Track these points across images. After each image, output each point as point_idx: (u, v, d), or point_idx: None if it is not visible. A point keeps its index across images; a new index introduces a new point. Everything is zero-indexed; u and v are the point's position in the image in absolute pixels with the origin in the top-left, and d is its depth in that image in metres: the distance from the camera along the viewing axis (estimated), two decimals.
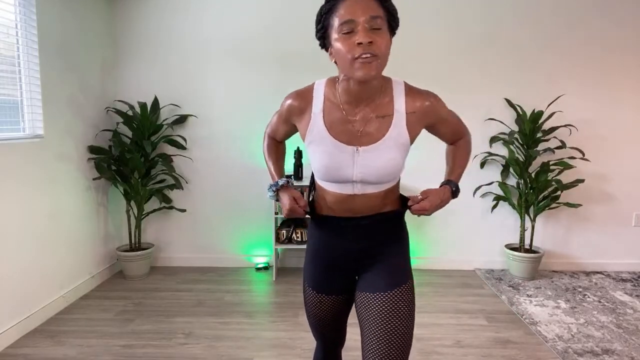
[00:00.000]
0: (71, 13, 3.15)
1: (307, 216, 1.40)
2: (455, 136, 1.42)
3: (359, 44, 1.09)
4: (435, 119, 1.30)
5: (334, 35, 1.14)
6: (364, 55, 1.09)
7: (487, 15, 3.63)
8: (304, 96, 1.30)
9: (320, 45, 1.25)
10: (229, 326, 2.77)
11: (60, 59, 3.03)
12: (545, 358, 2.41)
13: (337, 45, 1.14)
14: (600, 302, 3.16)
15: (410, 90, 1.26)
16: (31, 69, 2.79)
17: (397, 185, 1.36)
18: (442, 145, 1.52)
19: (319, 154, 1.26)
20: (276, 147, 1.52)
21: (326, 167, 1.25)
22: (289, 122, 1.37)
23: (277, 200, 1.42)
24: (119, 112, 3.47)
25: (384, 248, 1.35)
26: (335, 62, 1.19)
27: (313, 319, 1.48)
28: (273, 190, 1.40)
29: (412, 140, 1.27)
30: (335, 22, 1.13)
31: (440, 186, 1.38)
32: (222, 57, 3.70)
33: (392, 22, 1.17)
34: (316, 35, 1.22)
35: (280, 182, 1.39)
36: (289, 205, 1.33)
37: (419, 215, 1.31)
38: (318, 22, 1.20)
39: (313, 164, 1.30)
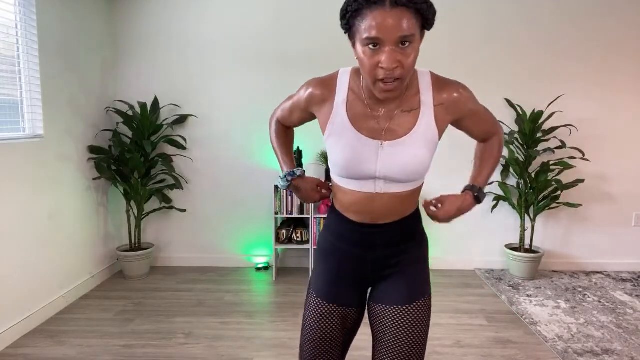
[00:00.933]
0: (71, 13, 3.15)
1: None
2: (485, 134, 1.32)
3: (383, 68, 1.01)
4: (464, 112, 1.20)
5: (358, 42, 1.05)
6: (386, 80, 1.03)
7: (487, 15, 3.63)
8: (327, 84, 1.20)
9: (345, 33, 1.14)
10: (229, 326, 2.77)
11: (60, 59, 3.03)
12: (545, 358, 2.41)
13: (360, 54, 1.05)
14: (600, 302, 3.16)
15: (437, 81, 1.18)
16: (31, 69, 2.79)
17: (420, 189, 1.27)
18: (462, 139, 1.49)
19: (341, 146, 1.16)
20: (285, 134, 1.41)
21: (348, 160, 1.15)
22: (307, 111, 1.27)
23: (289, 189, 1.35)
24: (119, 112, 3.47)
25: (403, 256, 1.28)
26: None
27: (311, 339, 1.29)
28: (288, 181, 1.33)
29: (440, 135, 1.18)
30: (362, 30, 1.02)
31: (463, 191, 1.29)
32: (222, 57, 3.70)
33: (426, 25, 1.06)
34: (341, 26, 1.11)
35: (298, 172, 1.33)
36: (319, 197, 1.35)
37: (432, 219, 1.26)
38: (343, 17, 1.08)
39: (332, 158, 1.20)
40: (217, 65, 3.71)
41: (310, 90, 1.22)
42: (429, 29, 1.07)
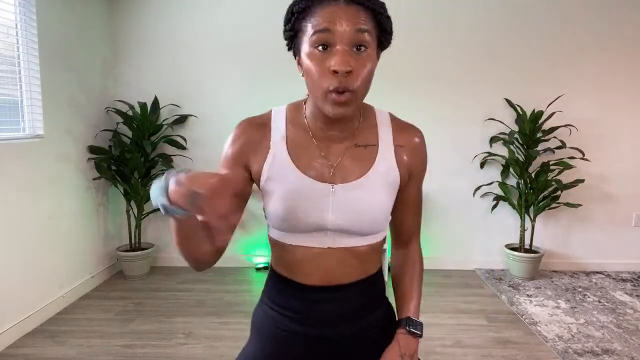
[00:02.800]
0: (71, 13, 3.15)
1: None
2: (412, 224, 1.06)
3: (335, 72, 0.82)
4: (417, 167, 0.99)
5: (305, 45, 0.86)
6: (339, 90, 0.83)
7: (486, 15, 3.63)
8: (260, 123, 0.99)
9: (287, 46, 0.95)
10: (229, 326, 2.77)
11: (60, 59, 3.03)
12: (545, 358, 2.41)
13: (307, 62, 0.86)
14: (600, 302, 3.16)
15: (396, 121, 1.00)
16: (31, 69, 2.78)
17: (381, 246, 1.03)
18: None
19: (282, 192, 0.93)
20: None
21: (291, 209, 0.92)
22: (242, 166, 0.97)
23: (173, 213, 0.79)
24: (119, 112, 3.47)
25: (371, 333, 1.02)
26: (303, 76, 0.90)
27: None
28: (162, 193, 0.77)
29: (400, 182, 0.97)
30: (308, 29, 0.85)
31: (396, 337, 0.99)
32: (222, 57, 3.70)
33: (384, 39, 0.90)
34: (284, 35, 0.93)
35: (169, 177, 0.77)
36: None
37: None
38: (287, 21, 0.90)
39: (271, 208, 0.95)
40: (217, 65, 3.71)
41: (241, 131, 0.99)
42: (385, 45, 0.92)
